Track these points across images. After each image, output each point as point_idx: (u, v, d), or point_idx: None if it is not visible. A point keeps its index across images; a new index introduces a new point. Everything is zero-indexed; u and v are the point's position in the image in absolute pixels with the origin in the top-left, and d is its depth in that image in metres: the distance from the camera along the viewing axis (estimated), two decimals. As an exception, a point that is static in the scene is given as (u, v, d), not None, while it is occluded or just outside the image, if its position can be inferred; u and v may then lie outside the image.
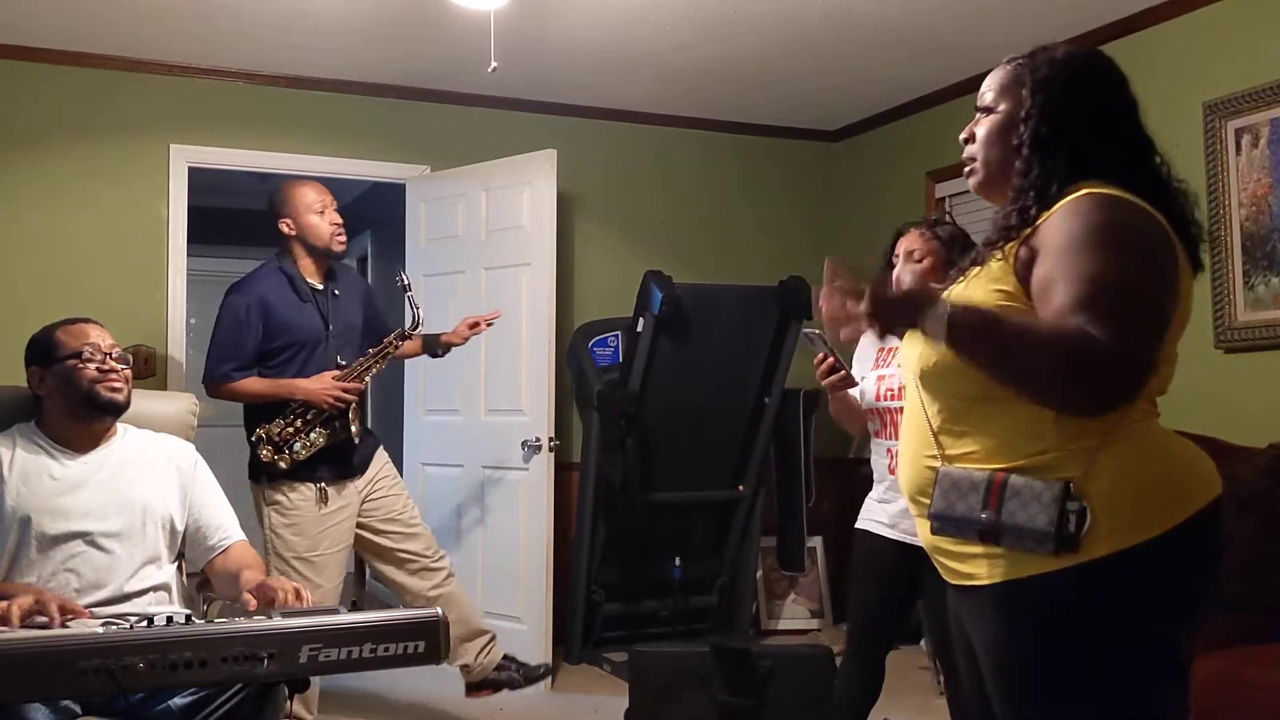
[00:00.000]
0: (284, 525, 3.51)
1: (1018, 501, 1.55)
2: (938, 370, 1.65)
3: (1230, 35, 3.73)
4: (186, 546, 2.58)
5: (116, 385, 2.50)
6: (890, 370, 2.80)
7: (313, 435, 3.49)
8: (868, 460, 3.01)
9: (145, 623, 1.94)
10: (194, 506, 2.59)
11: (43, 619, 2.06)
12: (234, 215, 6.40)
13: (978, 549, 1.62)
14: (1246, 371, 3.63)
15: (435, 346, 3.89)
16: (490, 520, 4.52)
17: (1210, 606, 1.60)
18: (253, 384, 3.52)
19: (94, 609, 2.34)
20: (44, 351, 2.52)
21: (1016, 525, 1.55)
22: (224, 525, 2.60)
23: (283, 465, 3.47)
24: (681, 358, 4.63)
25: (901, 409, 2.81)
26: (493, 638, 3.86)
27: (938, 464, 1.67)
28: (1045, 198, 1.62)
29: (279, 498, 3.52)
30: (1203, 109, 3.74)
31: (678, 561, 4.81)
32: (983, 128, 1.75)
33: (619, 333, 4.85)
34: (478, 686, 3.85)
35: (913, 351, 1.71)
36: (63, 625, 2.05)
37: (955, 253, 2.84)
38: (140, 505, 2.49)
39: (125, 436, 2.59)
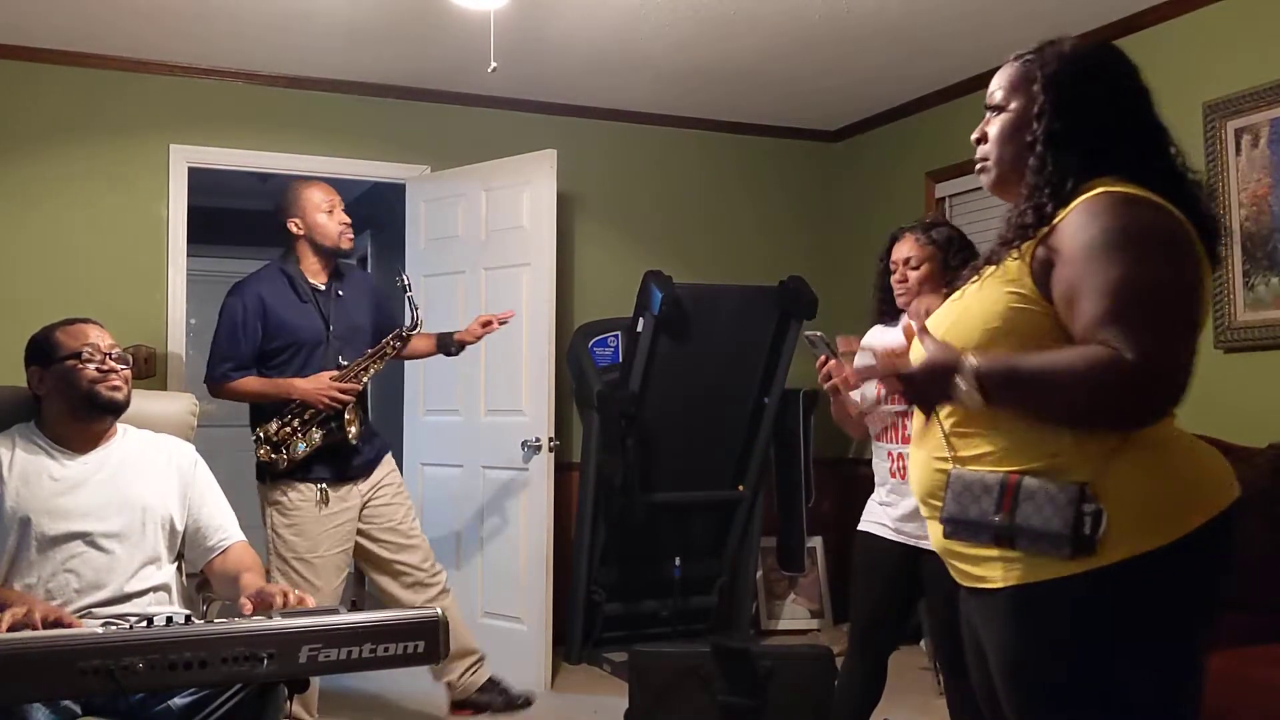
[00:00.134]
0: (284, 525, 3.52)
1: (1032, 504, 1.53)
2: None
3: (1230, 35, 3.73)
4: (186, 547, 2.58)
5: (116, 385, 2.50)
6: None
7: (311, 435, 3.49)
8: (868, 460, 3.02)
9: (145, 623, 1.94)
10: (194, 507, 2.58)
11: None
12: (234, 215, 6.41)
13: (992, 552, 1.60)
14: (1246, 371, 3.63)
15: (450, 345, 3.88)
16: (490, 520, 4.52)
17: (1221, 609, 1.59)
18: (250, 383, 3.53)
19: (94, 609, 2.34)
20: (43, 352, 2.52)
21: (1031, 528, 1.53)
22: (223, 526, 2.59)
23: (281, 465, 3.48)
24: (681, 358, 4.63)
25: (903, 412, 2.83)
26: (481, 659, 3.87)
27: (949, 466, 1.65)
28: (1061, 195, 1.60)
29: (280, 498, 3.53)
30: (1203, 109, 3.74)
31: (678, 561, 4.80)
32: (995, 127, 1.73)
33: (619, 333, 4.85)
34: (460, 706, 3.89)
35: (921, 354, 1.71)
36: None
37: (952, 255, 2.84)
38: (140, 505, 2.49)
39: (125, 437, 2.59)
